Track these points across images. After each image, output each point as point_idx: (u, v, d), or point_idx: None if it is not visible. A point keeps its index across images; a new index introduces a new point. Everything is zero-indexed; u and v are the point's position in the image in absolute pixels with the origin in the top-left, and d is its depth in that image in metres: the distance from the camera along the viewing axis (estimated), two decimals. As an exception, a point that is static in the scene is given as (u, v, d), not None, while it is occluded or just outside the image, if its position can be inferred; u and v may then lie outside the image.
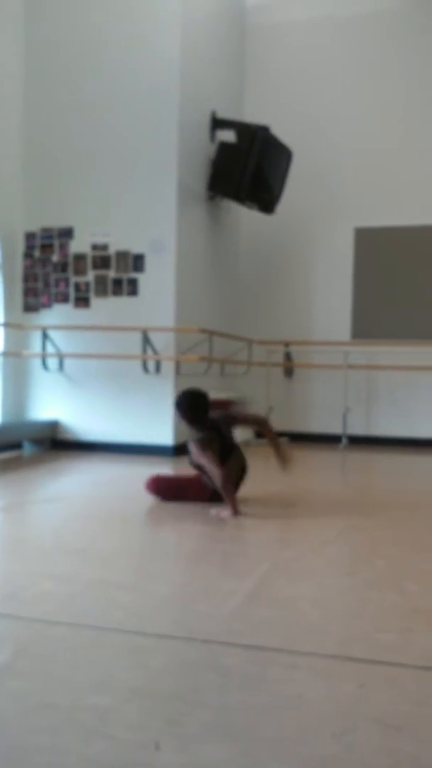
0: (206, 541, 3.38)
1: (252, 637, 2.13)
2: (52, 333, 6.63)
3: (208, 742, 1.53)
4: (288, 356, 8.17)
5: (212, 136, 7.02)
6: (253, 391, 8.08)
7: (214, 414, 4.19)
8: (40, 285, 6.70)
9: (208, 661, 1.97)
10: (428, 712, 1.68)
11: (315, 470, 6.21)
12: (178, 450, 6.45)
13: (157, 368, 6.41)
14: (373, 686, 1.82)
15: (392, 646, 2.07)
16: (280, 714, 1.67)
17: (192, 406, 4.11)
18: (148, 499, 4.28)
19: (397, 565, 2.99)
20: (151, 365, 6.42)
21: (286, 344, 8.11)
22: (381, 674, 1.90)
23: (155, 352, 6.36)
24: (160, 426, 6.38)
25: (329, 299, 8.08)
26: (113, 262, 6.50)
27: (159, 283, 6.37)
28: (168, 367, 6.40)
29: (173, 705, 1.71)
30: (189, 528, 3.70)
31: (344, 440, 7.59)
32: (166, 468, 5.81)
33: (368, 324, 7.93)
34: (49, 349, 6.65)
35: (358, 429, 7.83)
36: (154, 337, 6.33)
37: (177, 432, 6.43)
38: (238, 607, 2.38)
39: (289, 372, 8.20)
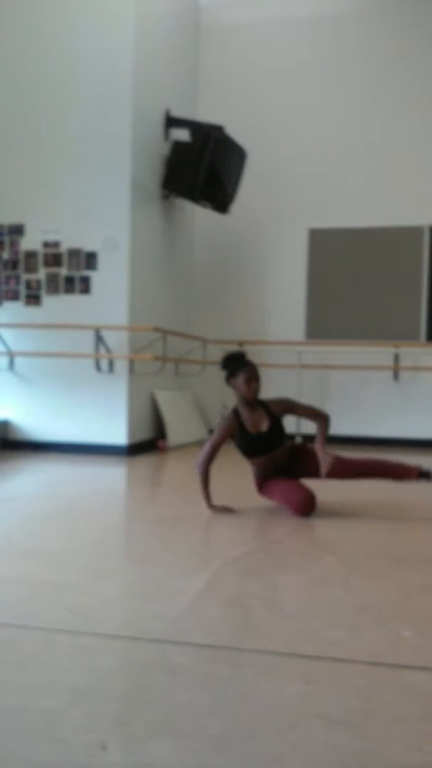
0: (158, 540, 3.36)
1: (201, 635, 2.12)
2: (2, 331, 6.53)
3: (154, 741, 1.52)
4: (242, 356, 8.18)
5: (166, 135, 7.00)
6: (208, 390, 8.09)
7: (271, 399, 4.03)
8: (-10, 282, 6.61)
9: (156, 660, 1.95)
10: (374, 707, 1.69)
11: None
12: (132, 450, 6.41)
13: (110, 367, 6.37)
14: (320, 683, 1.83)
15: (340, 643, 2.09)
16: (226, 712, 1.66)
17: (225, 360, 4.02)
18: (100, 499, 4.24)
19: (346, 562, 3.01)
20: (104, 364, 6.37)
21: (241, 344, 8.12)
22: (328, 671, 1.91)
23: (108, 350, 6.31)
24: (113, 425, 6.33)
25: (283, 299, 8.13)
26: (65, 260, 6.43)
27: (112, 281, 6.33)
28: (121, 366, 6.36)
29: (120, 705, 1.69)
30: (140, 528, 3.69)
31: (298, 439, 7.63)
32: (119, 468, 5.78)
33: (322, 324, 8.00)
34: None
35: (311, 428, 7.85)
36: (107, 335, 6.28)
37: (131, 431, 6.40)
38: (187, 606, 2.37)
39: (243, 371, 8.20)
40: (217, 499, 3.95)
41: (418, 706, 1.69)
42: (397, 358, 7.73)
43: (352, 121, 7.89)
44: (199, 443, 7.56)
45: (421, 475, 3.88)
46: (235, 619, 2.28)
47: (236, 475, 4.61)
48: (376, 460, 4.02)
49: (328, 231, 7.95)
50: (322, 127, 7.94)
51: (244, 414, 3.94)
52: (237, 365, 3.93)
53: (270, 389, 8.15)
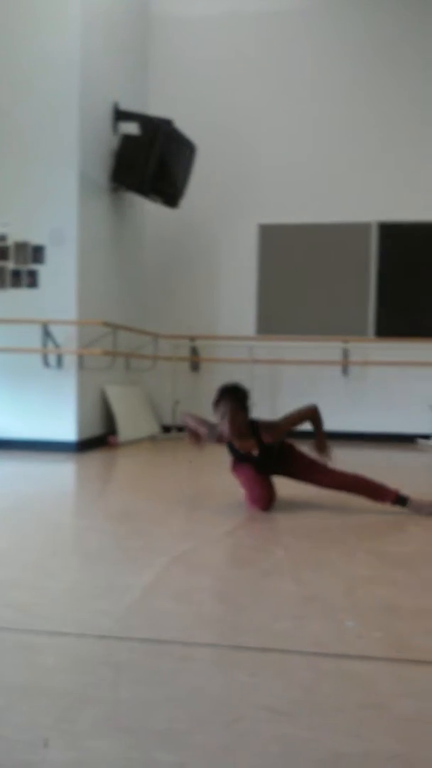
0: (106, 536, 3.34)
1: (148, 630, 2.12)
2: None
3: (98, 738, 1.51)
4: (194, 351, 8.20)
5: (115, 128, 6.94)
6: (160, 385, 8.07)
7: (263, 424, 3.86)
8: None
9: (102, 656, 1.95)
10: (318, 697, 1.72)
11: (218, 464, 6.24)
12: (82, 446, 6.36)
13: (59, 363, 6.30)
14: (265, 674, 1.84)
15: (285, 634, 2.11)
16: (172, 706, 1.66)
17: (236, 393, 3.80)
18: (48, 496, 4.20)
19: (294, 554, 3.04)
20: (52, 359, 6.30)
21: (192, 339, 8.13)
22: (274, 662, 1.93)
23: (56, 345, 6.25)
24: (62, 422, 6.27)
25: (234, 295, 8.15)
26: (12, 253, 6.33)
27: (60, 275, 6.26)
28: (70, 361, 6.30)
29: (64, 702, 1.68)
30: (89, 524, 3.66)
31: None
32: (68, 464, 5.73)
33: (272, 319, 8.05)
34: None
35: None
36: (55, 330, 6.21)
37: (80, 427, 6.34)
38: (135, 602, 2.36)
39: (195, 366, 8.22)
40: (194, 487, 3.93)
41: (358, 695, 1.72)
42: (346, 353, 7.82)
43: (302, 117, 7.94)
44: (151, 439, 7.55)
45: (397, 500, 3.84)
46: (182, 614, 2.28)
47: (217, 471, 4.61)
48: (361, 479, 3.89)
49: (278, 227, 8.00)
50: (271, 123, 7.98)
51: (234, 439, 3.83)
52: (217, 399, 3.77)
53: (220, 384, 8.18)
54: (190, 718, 1.61)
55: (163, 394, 8.10)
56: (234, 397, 3.74)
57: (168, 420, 8.02)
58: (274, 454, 3.89)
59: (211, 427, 3.87)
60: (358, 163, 7.85)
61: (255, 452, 3.85)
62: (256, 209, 8.00)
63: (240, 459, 3.95)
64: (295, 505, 4.00)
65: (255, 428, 3.82)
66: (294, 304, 8.00)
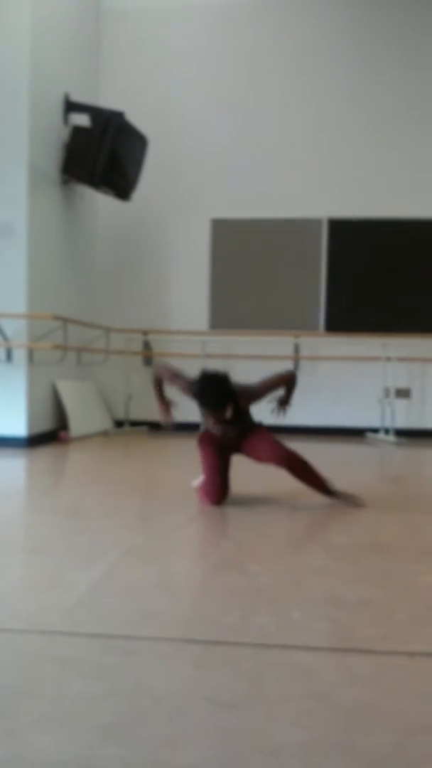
0: (55, 532, 3.31)
1: (94, 625, 2.11)
2: None
3: (40, 733, 1.50)
4: (147, 345, 8.17)
5: (66, 120, 6.86)
6: (112, 380, 8.03)
7: (242, 389, 3.77)
8: None
9: (47, 652, 1.93)
10: (261, 689, 1.73)
11: (170, 458, 6.25)
12: (32, 441, 6.30)
13: (8, 357, 6.21)
14: (210, 667, 1.85)
15: (232, 627, 2.12)
16: (116, 700, 1.66)
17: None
18: (-3, 492, 4.14)
19: (243, 547, 3.06)
20: (1, 353, 6.20)
21: (145, 333, 8.10)
22: (219, 654, 1.94)
23: (5, 339, 6.16)
24: (11, 416, 6.19)
25: (187, 289, 8.14)
26: (-39, 246, 6.22)
27: (9, 267, 6.17)
28: (20, 355, 6.22)
29: (5, 698, 1.66)
30: (37, 520, 3.62)
31: (203, 427, 7.67)
32: (18, 460, 5.67)
33: (225, 314, 8.07)
34: None
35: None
36: (4, 323, 6.12)
37: (30, 422, 6.27)
38: (82, 597, 2.35)
39: (148, 361, 8.20)
40: (146, 481, 3.91)
41: (302, 685, 1.74)
42: (297, 347, 7.88)
43: (255, 111, 7.96)
44: (104, 434, 7.51)
45: (330, 492, 3.90)
46: (129, 608, 2.27)
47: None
48: (317, 475, 3.90)
49: (230, 221, 8.01)
50: (225, 117, 7.98)
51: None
52: (196, 392, 3.64)
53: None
54: (133, 712, 1.61)
55: (115, 389, 8.05)
56: (216, 402, 3.60)
57: (121, 415, 7.98)
58: (246, 421, 3.86)
59: (188, 383, 3.74)
60: (310, 159, 7.91)
61: (229, 415, 3.68)
62: (208, 204, 8.00)
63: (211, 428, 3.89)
64: (246, 499, 4.02)
65: (233, 395, 3.69)
66: (246, 299, 8.03)
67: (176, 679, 1.78)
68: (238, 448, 4.00)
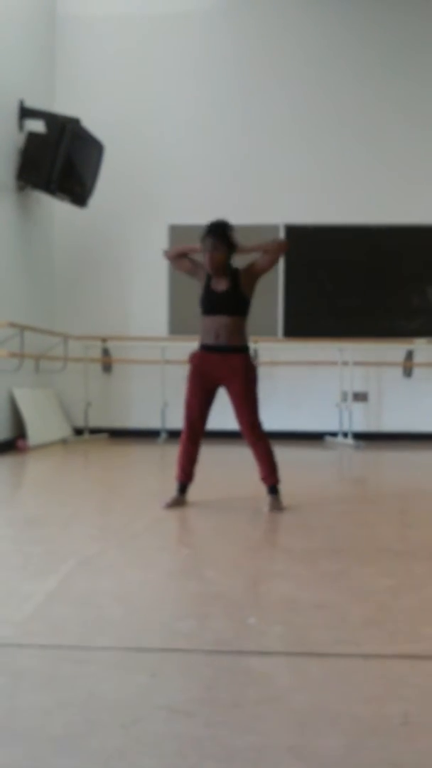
0: (9, 543, 3.27)
1: (49, 637, 2.09)
2: None
3: (-9, 749, 1.48)
4: (106, 352, 8.13)
5: (21, 126, 6.81)
6: (71, 387, 7.97)
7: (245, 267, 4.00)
8: None
9: (0, 664, 1.91)
10: (215, 694, 1.73)
11: (130, 466, 6.23)
12: (-11, 450, 6.22)
13: (-35, 365, 6.13)
14: (165, 675, 1.85)
15: (188, 633, 2.12)
16: (69, 711, 1.65)
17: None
18: None
19: (200, 554, 3.06)
20: (-43, 362, 6.13)
21: (104, 339, 8.06)
22: (174, 662, 1.93)
23: (-38, 348, 6.08)
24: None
25: (146, 295, 8.13)
26: None
27: (-35, 276, 6.09)
28: (-24, 363, 6.14)
29: (-43, 714, 1.64)
30: (-6, 530, 3.58)
31: (163, 434, 7.67)
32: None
33: (184, 319, 8.06)
34: None
35: (176, 423, 7.92)
36: (-40, 332, 6.05)
37: (-13, 431, 6.19)
38: (37, 608, 2.32)
39: (107, 367, 8.16)
40: (104, 490, 3.88)
41: (256, 691, 1.75)
42: (255, 352, 7.92)
43: (211, 118, 7.99)
44: (63, 442, 7.45)
45: (273, 488, 3.97)
46: (84, 618, 2.26)
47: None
48: (269, 458, 4.01)
49: (188, 227, 8.00)
50: (180, 124, 7.99)
51: (213, 275, 3.96)
52: (204, 234, 3.92)
53: (133, 385, 8.17)
54: (87, 723, 1.60)
55: (74, 396, 7.99)
56: (218, 233, 3.90)
57: (80, 422, 7.93)
58: (239, 297, 3.95)
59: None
60: (267, 166, 7.96)
61: (222, 287, 3.93)
62: (166, 210, 8.00)
63: (204, 305, 3.99)
64: (206, 505, 4.02)
65: (235, 272, 3.96)
66: (205, 305, 8.03)
67: (130, 688, 1.77)
68: (224, 379, 3.95)
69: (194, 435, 4.01)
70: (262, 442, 4.00)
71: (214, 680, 1.81)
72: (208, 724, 1.59)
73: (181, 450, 4.02)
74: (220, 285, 3.93)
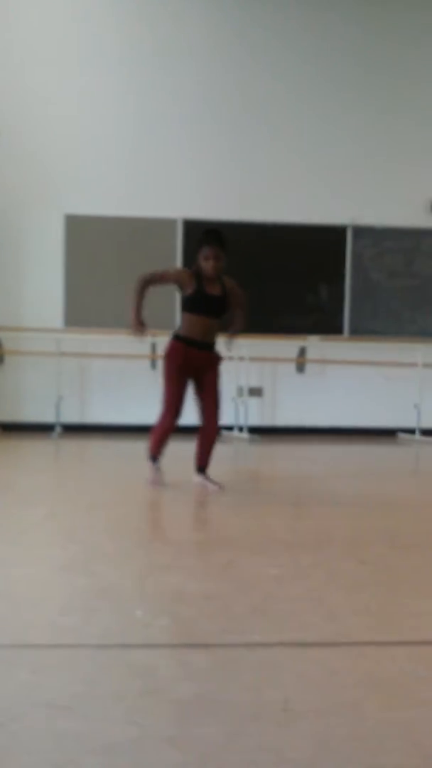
0: None
1: None
2: None
3: None
4: (-3, 343, 7.90)
5: None
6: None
7: (233, 283, 4.46)
8: None
9: None
10: (97, 689, 1.72)
11: (24, 460, 6.09)
12: None
13: None
14: (47, 671, 1.82)
15: (73, 629, 2.09)
16: None
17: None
18: None
19: (90, 549, 3.02)
20: None
21: (-4, 330, 7.84)
22: (57, 657, 1.91)
23: None
24: None
25: (40, 285, 7.94)
26: None
27: None
28: None
29: None
30: None
31: (58, 428, 7.54)
32: None
33: (81, 312, 7.94)
34: None
35: (72, 417, 7.84)
36: None
37: None
38: None
39: (-2, 359, 7.94)
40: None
41: (139, 683, 1.74)
42: (154, 347, 7.90)
43: (111, 107, 7.88)
44: None
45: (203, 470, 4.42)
46: (-34, 616, 2.19)
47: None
48: (209, 447, 4.43)
49: (85, 218, 7.89)
50: (80, 110, 7.84)
51: (206, 278, 4.30)
52: (201, 241, 4.31)
53: (28, 378, 7.98)
54: (-37, 723, 1.55)
55: (-36, 389, 7.73)
56: (219, 242, 4.34)
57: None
58: (227, 306, 4.38)
59: (177, 269, 4.79)
60: (167, 159, 7.93)
61: (216, 292, 4.33)
62: (62, 199, 7.84)
63: (198, 305, 4.31)
64: (97, 500, 3.98)
65: (221, 279, 4.41)
66: (103, 297, 7.94)
67: (11, 685, 1.73)
68: (201, 370, 4.35)
69: (178, 416, 4.37)
70: (218, 429, 4.46)
71: (96, 674, 1.80)
72: (87, 719, 1.57)
73: (164, 429, 4.38)
74: (215, 290, 4.33)
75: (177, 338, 4.40)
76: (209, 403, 4.37)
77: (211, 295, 4.30)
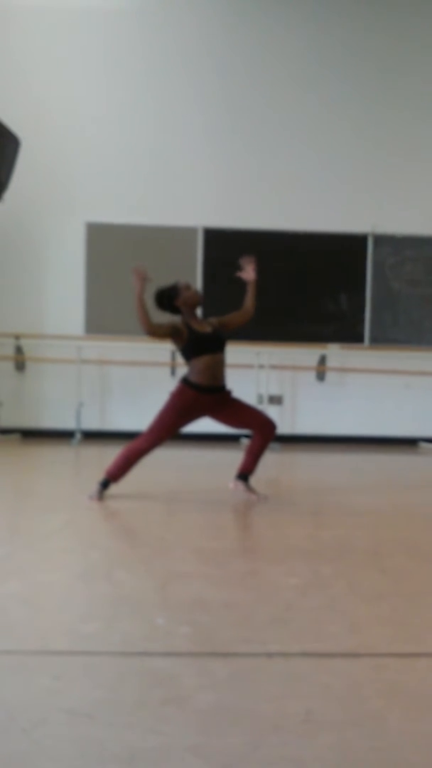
0: None
1: None
2: None
3: None
4: (19, 350, 7.96)
5: None
6: (-18, 386, 7.76)
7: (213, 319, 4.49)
8: None
9: None
10: (119, 696, 1.73)
11: (43, 467, 6.12)
12: None
13: None
14: (69, 677, 1.83)
15: (94, 636, 2.10)
16: (-33, 717, 1.61)
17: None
18: None
19: (111, 556, 3.03)
20: None
21: (17, 337, 7.90)
22: (79, 664, 1.91)
23: None
24: None
25: (62, 293, 8.00)
26: None
27: None
28: None
29: None
30: None
31: (78, 435, 7.57)
32: None
33: (101, 319, 7.98)
34: None
35: (92, 424, 7.87)
36: None
37: None
38: None
39: (20, 366, 7.99)
40: (17, 490, 3.78)
41: (160, 691, 1.75)
42: (173, 355, 7.92)
43: (133, 116, 7.94)
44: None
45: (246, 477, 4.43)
46: (-12, 621, 2.21)
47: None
48: (262, 449, 4.43)
49: (106, 226, 7.94)
50: (101, 120, 7.91)
51: (192, 322, 4.33)
52: (173, 288, 4.43)
53: (49, 384, 8.03)
54: (-14, 728, 1.56)
55: (-14, 395, 7.79)
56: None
57: (-8, 421, 7.73)
58: (222, 337, 4.39)
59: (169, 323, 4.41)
60: (187, 168, 7.97)
61: (208, 329, 4.36)
62: (83, 207, 7.89)
63: (201, 347, 4.28)
64: (118, 505, 3.99)
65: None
66: (123, 304, 7.95)
67: (32, 691, 1.74)
68: (213, 410, 4.32)
69: (157, 446, 4.24)
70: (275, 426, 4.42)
71: (118, 682, 1.80)
72: (110, 726, 1.58)
73: (140, 452, 4.21)
74: (206, 329, 4.34)
75: (189, 384, 4.27)
76: (249, 413, 4.34)
77: (205, 333, 4.30)
